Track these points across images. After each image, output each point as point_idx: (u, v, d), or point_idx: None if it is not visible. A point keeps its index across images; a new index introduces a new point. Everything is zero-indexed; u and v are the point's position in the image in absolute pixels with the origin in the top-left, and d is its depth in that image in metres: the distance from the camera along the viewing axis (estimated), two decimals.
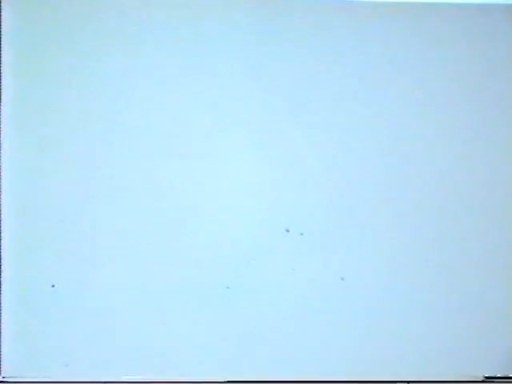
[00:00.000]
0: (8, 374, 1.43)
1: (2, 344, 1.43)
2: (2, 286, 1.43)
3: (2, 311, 1.44)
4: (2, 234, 1.44)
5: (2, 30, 1.45)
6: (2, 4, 1.45)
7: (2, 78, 1.45)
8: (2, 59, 1.44)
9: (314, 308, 1.45)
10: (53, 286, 1.44)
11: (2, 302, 1.43)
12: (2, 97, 1.45)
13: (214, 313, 1.45)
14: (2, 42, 1.45)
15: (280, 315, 1.45)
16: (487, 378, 1.45)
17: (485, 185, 1.48)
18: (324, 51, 1.47)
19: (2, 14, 1.45)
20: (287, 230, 1.46)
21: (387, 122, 1.47)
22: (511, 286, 1.47)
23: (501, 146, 1.49)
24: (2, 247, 1.43)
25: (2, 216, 1.44)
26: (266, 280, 1.45)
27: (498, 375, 1.45)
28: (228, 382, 1.44)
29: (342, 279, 1.46)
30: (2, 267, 1.44)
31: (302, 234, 1.46)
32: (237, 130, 1.46)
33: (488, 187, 1.48)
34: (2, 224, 1.44)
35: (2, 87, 1.44)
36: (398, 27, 1.48)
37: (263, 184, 1.46)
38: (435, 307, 1.46)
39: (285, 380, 1.44)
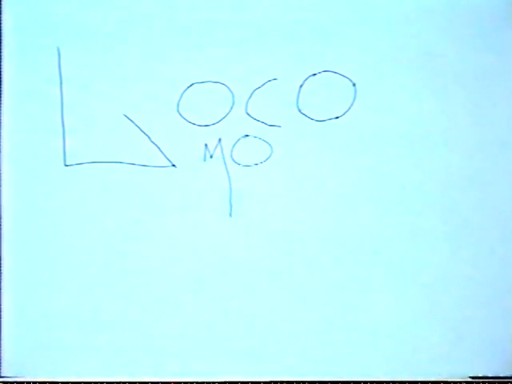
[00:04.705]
0: (8, 373, 1.44)
1: (2, 344, 1.43)
2: (2, 286, 1.44)
3: (2, 311, 1.44)
4: (2, 234, 1.44)
5: (2, 29, 1.45)
6: (2, 4, 1.45)
7: (3, 78, 1.45)
8: (2, 58, 1.45)
9: (314, 308, 1.46)
10: (52, 285, 1.44)
11: (2, 301, 1.43)
12: (3, 96, 1.45)
13: (213, 313, 1.45)
14: (2, 42, 1.45)
15: (279, 315, 1.45)
16: (472, 377, 1.45)
17: (487, 185, 1.48)
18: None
19: (2, 13, 1.45)
20: (287, 230, 1.46)
21: (390, 120, 1.47)
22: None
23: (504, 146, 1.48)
24: (2, 247, 1.44)
25: (3, 215, 1.44)
26: (266, 280, 1.45)
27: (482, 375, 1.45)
28: (228, 382, 1.44)
29: (343, 279, 1.46)
30: (2, 267, 1.44)
31: (301, 235, 1.46)
32: (236, 132, 1.46)
33: (492, 188, 1.48)
34: (3, 224, 1.44)
35: (2, 87, 1.45)
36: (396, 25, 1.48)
37: (263, 186, 1.46)
38: (435, 307, 1.46)
39: (285, 380, 1.44)
